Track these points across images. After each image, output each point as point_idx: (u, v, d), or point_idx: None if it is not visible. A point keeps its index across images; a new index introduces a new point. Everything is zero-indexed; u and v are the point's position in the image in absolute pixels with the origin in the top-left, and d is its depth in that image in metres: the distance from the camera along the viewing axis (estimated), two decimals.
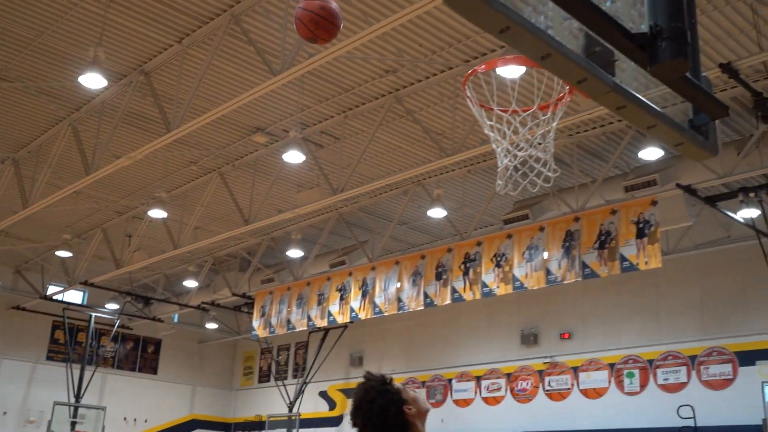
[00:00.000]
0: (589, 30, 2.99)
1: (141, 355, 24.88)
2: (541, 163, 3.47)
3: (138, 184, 15.92)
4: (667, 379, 15.85)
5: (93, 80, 10.50)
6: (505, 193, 3.77)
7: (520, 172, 3.69)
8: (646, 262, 12.26)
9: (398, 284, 15.82)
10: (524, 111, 3.63)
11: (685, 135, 3.72)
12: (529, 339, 18.19)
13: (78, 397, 21.18)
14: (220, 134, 13.66)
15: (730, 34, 10.07)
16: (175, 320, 24.33)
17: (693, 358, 15.63)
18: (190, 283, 20.61)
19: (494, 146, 3.66)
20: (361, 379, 2.81)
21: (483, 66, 3.74)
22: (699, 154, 3.89)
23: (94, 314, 22.22)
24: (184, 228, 16.41)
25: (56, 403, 20.57)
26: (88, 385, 21.54)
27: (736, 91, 11.10)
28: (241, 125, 13.32)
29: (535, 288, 13.72)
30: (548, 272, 13.37)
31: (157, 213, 15.37)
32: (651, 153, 12.35)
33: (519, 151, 3.49)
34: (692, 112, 3.86)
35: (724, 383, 15.08)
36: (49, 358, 22.69)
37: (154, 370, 25.08)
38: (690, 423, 14.82)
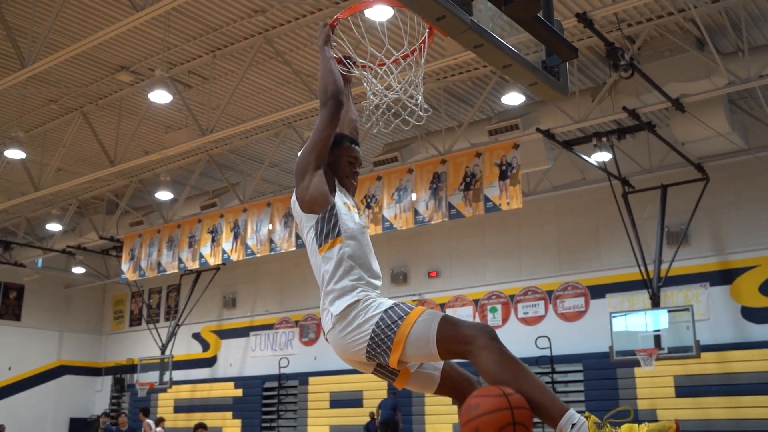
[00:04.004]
0: None
1: (3, 301, 23.82)
2: (413, 102, 3.63)
3: None
4: (526, 313, 16.82)
5: None
6: (377, 131, 3.93)
7: (392, 111, 3.85)
8: (508, 203, 12.85)
9: (270, 226, 15.87)
10: (404, 57, 3.78)
11: (538, 75, 3.93)
12: (399, 277, 18.75)
13: None
14: (82, 72, 13.10)
15: None
16: (39, 265, 23.34)
17: (550, 292, 16.63)
18: (54, 227, 19.82)
19: (366, 86, 3.80)
20: None
21: (346, 12, 3.81)
22: (551, 94, 4.12)
23: None
24: (45, 169, 15.74)
25: None
26: None
27: (592, 41, 11.70)
28: (104, 63, 12.82)
29: (403, 228, 14.13)
30: (416, 213, 13.80)
31: (14, 153, 14.60)
32: (513, 98, 12.84)
33: (390, 92, 3.63)
34: (545, 54, 4.12)
35: (577, 315, 16.19)
36: None
37: (17, 317, 24.11)
38: (546, 353, 15.85)
